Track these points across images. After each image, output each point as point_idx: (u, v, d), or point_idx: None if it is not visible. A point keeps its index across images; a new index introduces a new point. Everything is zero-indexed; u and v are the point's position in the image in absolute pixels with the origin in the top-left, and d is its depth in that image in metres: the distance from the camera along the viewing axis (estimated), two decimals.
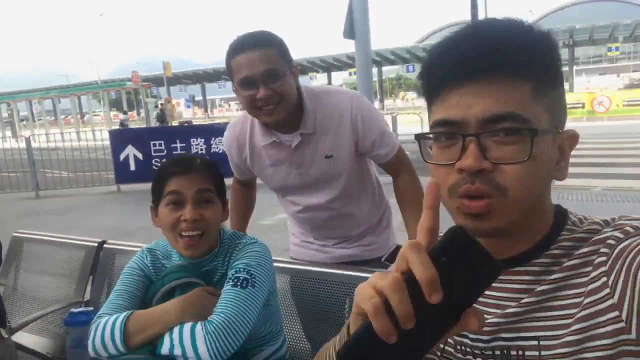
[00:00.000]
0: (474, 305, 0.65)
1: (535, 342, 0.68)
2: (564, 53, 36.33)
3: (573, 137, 0.73)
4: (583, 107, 19.67)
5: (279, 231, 5.61)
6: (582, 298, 0.65)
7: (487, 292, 0.70)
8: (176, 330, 1.21)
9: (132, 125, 24.17)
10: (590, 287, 0.65)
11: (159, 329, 1.23)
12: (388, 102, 57.53)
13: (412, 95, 64.45)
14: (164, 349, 1.20)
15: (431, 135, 0.72)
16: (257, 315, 1.29)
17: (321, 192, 1.75)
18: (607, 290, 0.63)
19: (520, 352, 0.69)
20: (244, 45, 1.52)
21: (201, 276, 1.36)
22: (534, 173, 0.67)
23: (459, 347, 0.76)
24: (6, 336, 1.79)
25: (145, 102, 24.66)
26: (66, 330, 1.99)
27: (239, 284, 1.28)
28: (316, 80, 47.19)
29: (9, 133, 26.94)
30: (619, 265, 0.62)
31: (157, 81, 39.84)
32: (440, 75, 0.69)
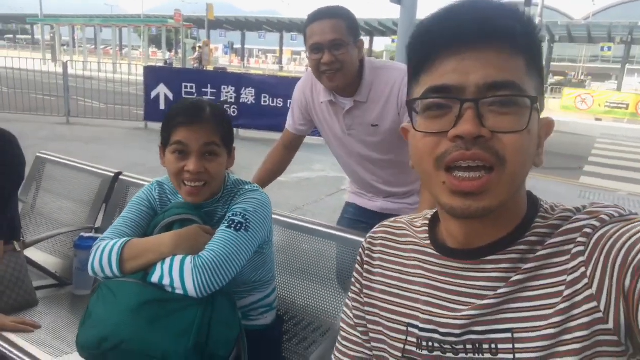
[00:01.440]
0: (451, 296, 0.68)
1: (509, 335, 0.66)
2: (620, 49, 34.66)
3: (549, 125, 0.72)
4: (627, 108, 18.92)
5: (292, 189, 5.69)
6: (562, 288, 0.64)
7: (460, 282, 0.71)
8: (167, 261, 1.28)
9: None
10: (570, 277, 0.64)
11: (152, 258, 1.29)
12: None
13: None
14: (154, 277, 1.27)
15: (418, 106, 0.69)
16: (246, 259, 1.34)
17: (366, 155, 1.96)
18: (586, 281, 0.62)
19: (493, 346, 0.67)
20: (319, 15, 1.75)
21: (201, 216, 1.41)
22: (529, 146, 0.66)
23: (424, 344, 0.74)
24: (19, 250, 1.91)
25: (184, 42, 24.65)
26: (75, 252, 2.12)
27: (233, 226, 1.33)
28: None
29: (49, 56, 27.39)
30: (597, 254, 0.61)
31: (199, 23, 39.59)
32: (436, 42, 0.67)
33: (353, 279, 0.89)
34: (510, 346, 0.66)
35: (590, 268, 0.62)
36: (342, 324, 0.90)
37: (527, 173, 0.68)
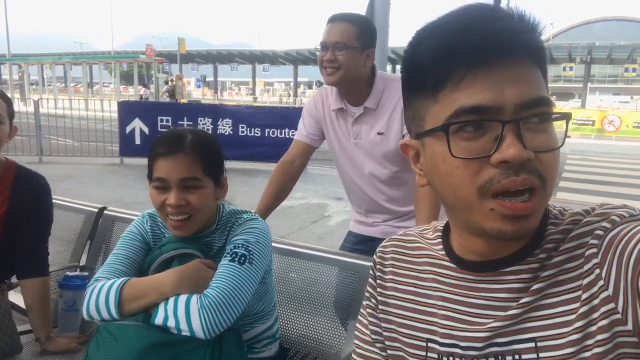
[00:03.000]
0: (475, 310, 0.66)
1: (532, 344, 0.65)
2: (581, 69, 36.00)
3: None
4: (593, 124, 19.58)
5: (276, 218, 5.64)
6: (579, 292, 0.63)
7: (479, 294, 0.69)
8: (171, 301, 1.21)
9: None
10: (585, 280, 0.63)
11: (153, 299, 1.23)
12: None
13: None
14: (158, 320, 1.20)
15: (445, 128, 0.63)
16: (252, 292, 1.29)
17: (372, 168, 1.99)
18: (602, 283, 0.61)
19: (517, 357, 0.66)
20: (334, 17, 1.88)
21: (200, 248, 1.36)
22: (559, 161, 0.65)
23: (445, 359, 0.72)
24: (3, 293, 1.81)
25: (157, 77, 24.62)
26: (60, 292, 2.02)
27: (236, 259, 1.27)
28: None
29: (17, 95, 26.98)
30: (611, 255, 0.60)
31: (170, 57, 39.71)
32: (458, 59, 0.62)
33: (367, 294, 0.87)
34: (535, 356, 0.64)
35: (604, 269, 0.60)
36: (356, 341, 0.88)
37: None
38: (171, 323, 1.19)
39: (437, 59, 0.64)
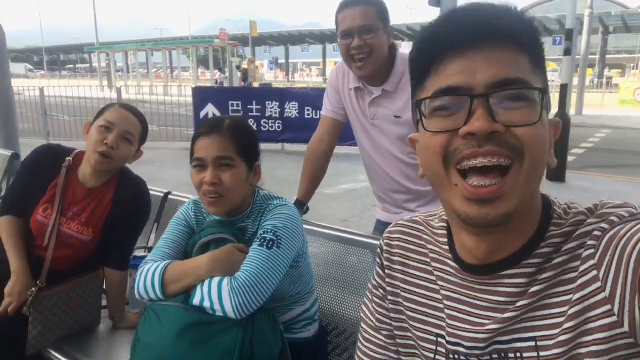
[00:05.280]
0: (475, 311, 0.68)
1: (532, 343, 0.67)
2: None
3: (557, 126, 0.71)
4: None
5: (337, 201, 5.73)
6: (571, 295, 0.64)
7: (481, 295, 0.71)
8: (206, 283, 1.33)
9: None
10: (579, 281, 0.63)
11: (191, 281, 1.35)
12: None
13: None
14: (196, 300, 1.32)
15: (425, 109, 0.68)
16: (281, 275, 1.37)
17: (390, 148, 1.97)
18: (599, 284, 0.61)
19: (519, 354, 0.68)
20: (349, 2, 1.81)
21: (234, 233, 1.46)
22: (545, 139, 0.65)
23: (451, 356, 0.74)
24: (98, 277, 2.02)
25: (231, 61, 25.32)
26: (130, 272, 2.23)
27: (265, 244, 1.36)
28: (401, 49, 45.67)
29: (105, 82, 28.91)
30: (609, 257, 0.60)
31: (243, 41, 40.63)
32: (441, 45, 0.66)
33: (375, 282, 0.88)
34: (535, 354, 0.66)
35: (602, 271, 0.61)
36: (363, 325, 0.90)
37: (544, 172, 0.67)
38: (207, 304, 1.30)
39: (421, 50, 0.70)
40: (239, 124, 1.49)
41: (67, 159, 1.91)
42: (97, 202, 1.91)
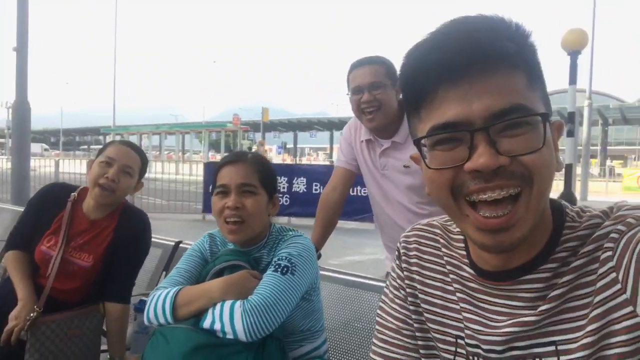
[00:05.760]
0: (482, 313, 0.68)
1: (552, 348, 0.65)
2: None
3: (560, 126, 0.69)
4: None
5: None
6: (592, 297, 0.63)
7: (499, 301, 0.71)
8: (218, 306, 1.31)
9: None
10: (599, 284, 0.63)
11: (203, 304, 1.33)
12: None
13: None
14: (206, 323, 1.30)
15: (426, 143, 0.66)
16: (294, 302, 1.36)
17: (400, 198, 2.02)
18: (619, 286, 0.60)
19: (538, 359, 0.66)
20: (359, 63, 1.98)
21: (249, 261, 1.46)
22: (550, 160, 0.64)
23: (471, 358, 0.74)
24: (98, 312, 2.01)
25: (241, 143, 26.20)
26: (135, 315, 2.19)
27: (279, 270, 1.36)
28: None
29: None
30: (627, 259, 0.59)
31: (254, 127, 42.20)
32: (429, 78, 0.64)
33: (396, 284, 0.87)
34: (556, 358, 0.65)
35: (621, 273, 0.60)
36: (379, 327, 0.87)
37: (552, 186, 0.66)
38: (217, 326, 1.28)
39: (412, 81, 0.68)
40: (261, 157, 1.58)
41: (72, 194, 2.00)
42: (99, 231, 1.96)
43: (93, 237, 1.95)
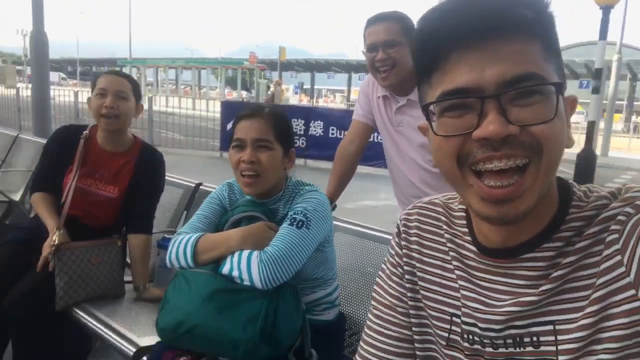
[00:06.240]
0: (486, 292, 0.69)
1: (550, 327, 0.65)
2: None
3: (574, 103, 0.67)
4: None
5: (358, 216, 5.75)
6: (595, 279, 0.62)
7: (499, 279, 0.70)
8: (236, 255, 1.38)
9: None
10: (603, 266, 0.62)
11: (222, 252, 1.41)
12: None
13: None
14: (225, 269, 1.38)
15: (434, 110, 0.65)
16: (308, 254, 1.42)
17: (412, 155, 2.02)
18: (623, 269, 0.60)
19: (535, 338, 0.66)
20: (374, 19, 1.93)
21: (265, 213, 1.52)
22: (562, 133, 0.62)
23: (465, 336, 0.73)
24: (115, 244, 2.14)
25: (258, 82, 25.91)
26: (158, 251, 2.30)
27: (295, 223, 1.42)
28: None
29: None
30: (634, 242, 0.59)
31: (271, 65, 41.49)
32: (445, 41, 0.62)
33: (393, 261, 0.86)
34: (553, 338, 0.65)
35: (626, 256, 0.59)
36: (374, 303, 0.87)
37: (560, 160, 0.65)
38: (235, 273, 1.36)
39: (424, 46, 0.66)
40: (278, 112, 1.58)
41: (84, 132, 2.16)
42: (122, 164, 2.16)
43: (116, 169, 2.14)
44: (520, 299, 0.67)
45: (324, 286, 1.60)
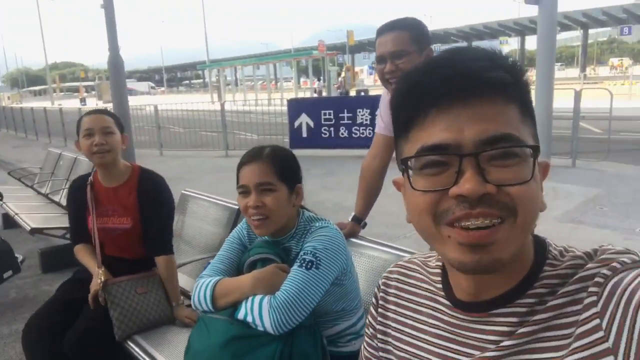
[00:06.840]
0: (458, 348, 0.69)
1: None
2: None
3: (546, 167, 0.69)
4: None
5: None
6: (569, 340, 0.61)
7: (469, 334, 0.70)
8: (249, 300, 1.42)
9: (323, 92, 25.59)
10: (580, 329, 0.60)
11: (237, 297, 1.45)
12: (591, 70, 50.46)
13: (627, 61, 55.51)
14: (240, 315, 1.42)
15: (412, 165, 0.66)
16: (320, 295, 1.42)
17: None
18: (601, 334, 0.58)
19: None
20: (383, 29, 1.88)
21: (279, 253, 1.53)
22: (537, 195, 0.63)
23: None
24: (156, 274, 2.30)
25: (329, 70, 25.87)
26: None
27: (304, 265, 1.42)
28: (507, 46, 43.74)
29: (216, 97, 31.07)
30: (613, 307, 0.57)
31: (342, 49, 41.28)
32: (426, 98, 0.64)
33: (367, 322, 0.90)
34: None
35: (605, 320, 0.58)
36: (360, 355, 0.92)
37: (535, 222, 0.65)
38: (249, 319, 1.39)
39: (404, 102, 0.68)
40: (277, 151, 1.58)
41: (89, 178, 2.33)
42: (127, 195, 2.29)
43: (125, 203, 2.28)
44: (481, 354, 0.67)
45: (346, 317, 1.59)
